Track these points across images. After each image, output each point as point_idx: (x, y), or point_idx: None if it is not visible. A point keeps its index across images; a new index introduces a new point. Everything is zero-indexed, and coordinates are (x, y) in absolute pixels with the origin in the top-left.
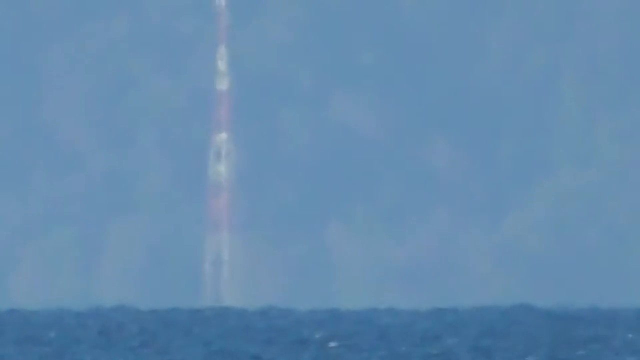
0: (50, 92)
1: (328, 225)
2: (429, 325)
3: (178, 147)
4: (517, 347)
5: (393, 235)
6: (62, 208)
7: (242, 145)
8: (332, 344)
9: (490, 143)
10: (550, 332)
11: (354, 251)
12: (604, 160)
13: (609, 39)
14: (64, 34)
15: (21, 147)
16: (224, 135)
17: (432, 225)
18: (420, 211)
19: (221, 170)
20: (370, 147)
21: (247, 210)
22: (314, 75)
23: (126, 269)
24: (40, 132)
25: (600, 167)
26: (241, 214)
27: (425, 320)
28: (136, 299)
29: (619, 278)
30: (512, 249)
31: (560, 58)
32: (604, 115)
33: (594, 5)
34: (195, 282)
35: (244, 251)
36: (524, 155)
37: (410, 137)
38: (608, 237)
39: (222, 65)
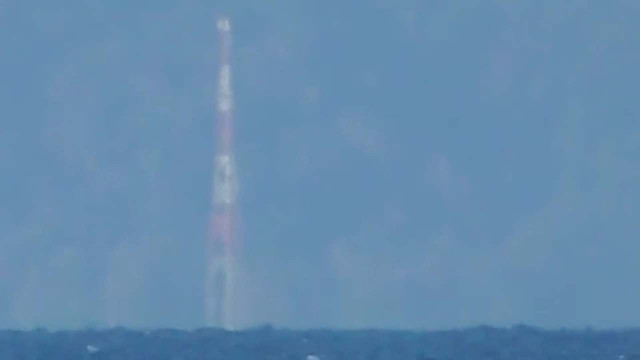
0: (53, 113)
1: (331, 246)
2: (424, 346)
3: (181, 168)
4: None
5: (396, 255)
6: (64, 230)
7: (245, 166)
8: None
9: (493, 164)
10: (548, 353)
11: (357, 271)
12: (606, 181)
13: (611, 61)
14: (66, 55)
15: (23, 168)
16: (226, 157)
17: (435, 245)
18: (423, 231)
19: (224, 191)
20: (373, 168)
21: (250, 232)
22: (316, 96)
23: (128, 290)
24: (43, 153)
25: (602, 188)
26: (244, 236)
27: (421, 341)
28: (138, 321)
29: (621, 298)
30: (514, 269)
31: (562, 80)
32: (606, 136)
33: (596, 28)
34: (197, 303)
35: (246, 272)
36: (526, 176)
37: (413, 158)
38: (610, 257)
39: (225, 86)
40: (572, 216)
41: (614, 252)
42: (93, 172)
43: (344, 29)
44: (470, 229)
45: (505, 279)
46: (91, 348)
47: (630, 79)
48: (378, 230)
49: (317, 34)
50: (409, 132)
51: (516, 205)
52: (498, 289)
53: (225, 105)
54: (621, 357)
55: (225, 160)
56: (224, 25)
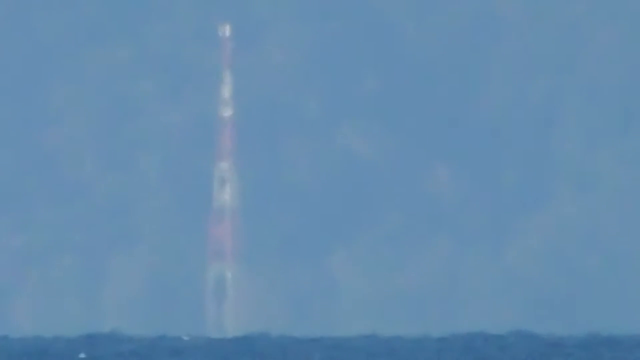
0: (53, 120)
1: (331, 253)
2: (423, 352)
3: (181, 174)
4: None
5: (395, 262)
6: (64, 236)
7: (245, 172)
8: None
9: (492, 170)
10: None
11: (357, 278)
12: (605, 188)
13: (611, 65)
14: (66, 60)
15: (23, 174)
16: (227, 163)
17: (434, 252)
18: (423, 239)
19: (225, 198)
20: (373, 174)
21: (250, 238)
22: (317, 102)
23: (128, 296)
24: (42, 158)
25: (601, 194)
26: (244, 242)
27: (421, 347)
28: (137, 326)
29: (620, 305)
30: (514, 276)
31: (561, 86)
32: (605, 142)
33: (595, 33)
34: (197, 309)
35: (246, 278)
36: (525, 183)
37: (412, 164)
38: (609, 264)
39: (225, 92)
40: (572, 221)
41: (615, 257)
42: (93, 177)
43: (345, 36)
44: (469, 235)
45: (505, 285)
46: (82, 355)
47: (630, 83)
48: (378, 236)
49: (318, 41)
50: (409, 138)
51: (516, 211)
52: (498, 295)
53: (226, 111)
54: None
55: (225, 166)
56: (225, 31)
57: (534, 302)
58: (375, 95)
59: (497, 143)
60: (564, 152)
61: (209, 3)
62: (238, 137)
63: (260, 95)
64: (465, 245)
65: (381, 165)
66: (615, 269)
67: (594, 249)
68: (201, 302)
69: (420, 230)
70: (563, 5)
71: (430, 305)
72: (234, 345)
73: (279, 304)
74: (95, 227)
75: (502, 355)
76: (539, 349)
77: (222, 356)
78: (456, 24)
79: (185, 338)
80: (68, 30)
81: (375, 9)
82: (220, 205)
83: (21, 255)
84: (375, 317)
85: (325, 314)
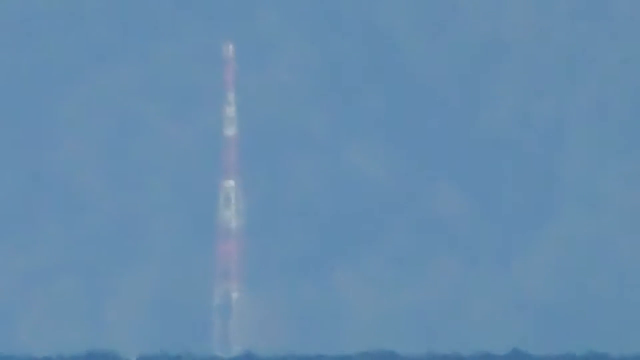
0: (60, 139)
1: (337, 271)
2: None
3: (187, 193)
4: None
5: (401, 281)
6: (69, 256)
7: (250, 191)
8: None
9: (498, 189)
10: None
11: (362, 297)
12: (610, 206)
13: (616, 85)
14: (74, 81)
15: (30, 192)
16: (232, 182)
17: (440, 270)
18: (428, 257)
19: (230, 216)
20: (378, 193)
21: (256, 257)
22: (321, 121)
23: (134, 316)
24: (49, 178)
25: (607, 212)
26: (250, 260)
27: None
28: (143, 346)
29: (627, 324)
30: (519, 295)
31: (567, 105)
32: (610, 161)
33: (600, 52)
34: (204, 328)
35: (252, 298)
36: (531, 202)
37: (417, 183)
38: (614, 282)
39: (230, 111)
40: (579, 240)
41: (621, 276)
42: (99, 197)
43: (349, 55)
44: (475, 254)
45: (511, 304)
46: None
47: (636, 102)
48: (383, 255)
49: (322, 60)
50: (415, 157)
51: (522, 229)
52: (503, 314)
53: (230, 130)
54: None
55: (230, 185)
56: (229, 51)
57: (540, 322)
58: (381, 114)
59: (503, 162)
60: (570, 171)
61: (213, 24)
62: (243, 156)
63: (265, 114)
64: (471, 264)
65: (387, 183)
66: (622, 287)
67: (601, 268)
68: (207, 320)
69: (426, 249)
70: (568, 25)
71: (435, 323)
72: None
73: (285, 322)
74: (101, 247)
75: None
76: None
77: None
78: (463, 44)
79: (184, 355)
80: (75, 51)
81: (381, 28)
82: (226, 224)
83: (27, 274)
84: (381, 335)
85: (331, 332)
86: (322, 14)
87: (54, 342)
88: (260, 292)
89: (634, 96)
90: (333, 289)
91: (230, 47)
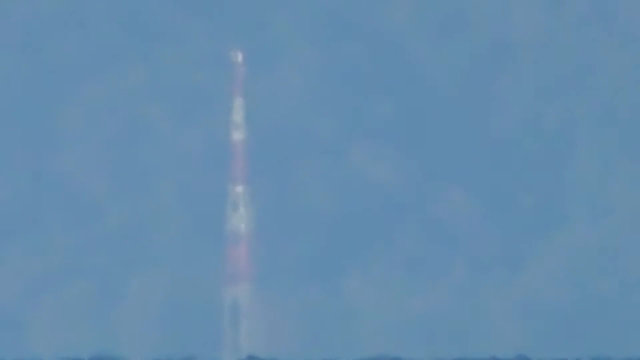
0: (67, 143)
1: (345, 276)
2: None
3: (195, 198)
4: None
5: (410, 286)
6: (80, 259)
7: (259, 196)
8: None
9: (508, 196)
10: None
11: (371, 302)
12: (620, 213)
13: (626, 90)
14: (80, 85)
15: (38, 197)
16: (240, 187)
17: (449, 276)
18: (438, 262)
19: (238, 221)
20: (387, 198)
21: (265, 261)
22: (329, 126)
23: (144, 320)
24: (57, 183)
25: (616, 219)
26: (258, 265)
27: None
28: (153, 350)
29: (635, 330)
30: (528, 301)
31: (576, 111)
32: (620, 167)
33: (610, 56)
34: (213, 332)
35: (262, 302)
36: (541, 208)
37: (427, 189)
38: (625, 290)
39: (238, 116)
40: (588, 246)
41: (631, 282)
42: (109, 202)
43: (357, 61)
44: (484, 261)
45: (519, 310)
46: None
47: None
48: (392, 260)
49: (330, 65)
50: (423, 163)
51: (531, 235)
52: (511, 320)
53: (238, 135)
54: None
55: (239, 190)
56: (237, 56)
57: (548, 327)
58: (389, 119)
59: (512, 168)
60: (580, 177)
61: (221, 30)
62: (251, 161)
63: (273, 120)
64: (480, 270)
65: (396, 188)
66: (630, 293)
67: (610, 274)
68: (217, 324)
69: (435, 255)
70: (576, 30)
71: (444, 329)
72: None
73: (293, 326)
74: (111, 251)
75: None
76: None
77: None
78: (472, 49)
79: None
80: (83, 56)
81: (389, 34)
82: (234, 228)
83: (36, 279)
84: (389, 340)
85: (340, 337)
86: (330, 19)
87: (63, 346)
88: (269, 296)
89: None
90: (341, 293)
91: (239, 53)
